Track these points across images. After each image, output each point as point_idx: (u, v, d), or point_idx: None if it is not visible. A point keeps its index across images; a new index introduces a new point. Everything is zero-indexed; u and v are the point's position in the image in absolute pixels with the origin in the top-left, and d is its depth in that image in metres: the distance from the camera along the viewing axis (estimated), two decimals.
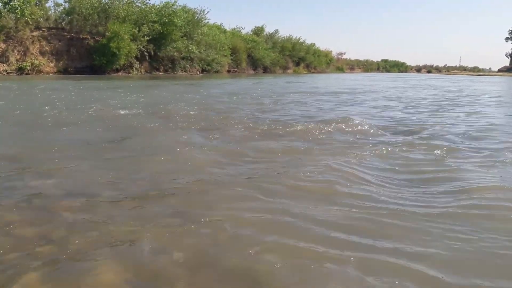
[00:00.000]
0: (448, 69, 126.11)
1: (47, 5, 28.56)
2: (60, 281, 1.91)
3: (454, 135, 5.95)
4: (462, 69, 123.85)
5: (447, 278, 1.99)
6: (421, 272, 2.02)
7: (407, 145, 5.01)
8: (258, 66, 47.08)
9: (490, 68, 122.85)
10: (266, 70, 48.35)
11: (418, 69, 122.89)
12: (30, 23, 25.26)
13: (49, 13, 29.16)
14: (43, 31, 27.31)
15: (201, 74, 34.60)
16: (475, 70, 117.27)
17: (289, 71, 54.39)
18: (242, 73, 42.33)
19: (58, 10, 29.42)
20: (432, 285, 1.94)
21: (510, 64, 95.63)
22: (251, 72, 45.01)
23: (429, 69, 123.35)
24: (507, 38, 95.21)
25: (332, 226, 2.53)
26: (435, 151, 4.67)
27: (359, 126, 6.36)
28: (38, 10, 26.45)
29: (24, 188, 3.16)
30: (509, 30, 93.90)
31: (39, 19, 26.73)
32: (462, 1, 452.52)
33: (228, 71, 40.81)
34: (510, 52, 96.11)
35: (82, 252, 2.17)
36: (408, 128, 6.67)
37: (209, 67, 36.86)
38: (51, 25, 28.80)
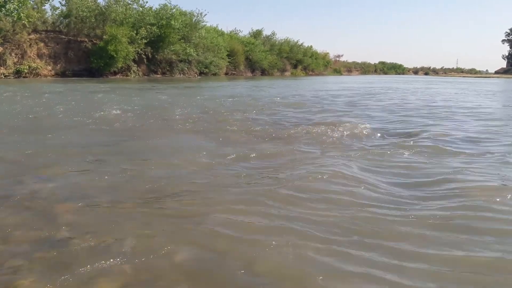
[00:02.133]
0: (445, 71, 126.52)
1: (44, 7, 28.53)
2: (60, 286, 1.90)
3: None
4: (459, 71, 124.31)
5: (446, 279, 1.99)
6: (420, 274, 2.02)
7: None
8: (256, 68, 47.15)
9: (487, 70, 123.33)
10: (263, 72, 48.42)
11: (416, 71, 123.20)
12: (27, 26, 25.22)
13: (46, 16, 29.13)
14: (41, 34, 27.30)
15: (199, 77, 34.61)
16: (472, 72, 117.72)
17: (287, 73, 54.48)
18: (240, 75, 42.38)
19: (55, 13, 29.44)
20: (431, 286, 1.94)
21: (506, 66, 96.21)
22: (249, 74, 45.08)
23: (427, 71, 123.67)
24: (503, 40, 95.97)
25: (332, 229, 2.53)
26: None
27: (354, 129, 6.36)
28: (35, 13, 26.41)
29: (24, 192, 3.15)
30: (506, 32, 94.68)
31: (36, 22, 26.69)
32: (460, 4, 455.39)
33: (226, 73, 40.87)
34: (507, 54, 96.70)
35: (81, 256, 2.16)
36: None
37: (207, 70, 36.94)
38: (49, 28, 28.77)
